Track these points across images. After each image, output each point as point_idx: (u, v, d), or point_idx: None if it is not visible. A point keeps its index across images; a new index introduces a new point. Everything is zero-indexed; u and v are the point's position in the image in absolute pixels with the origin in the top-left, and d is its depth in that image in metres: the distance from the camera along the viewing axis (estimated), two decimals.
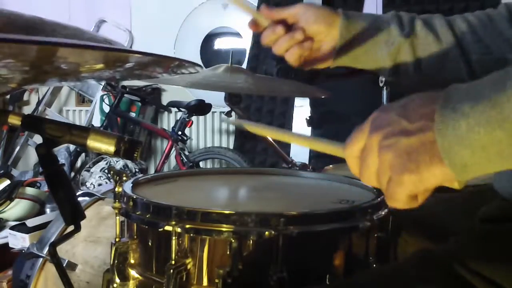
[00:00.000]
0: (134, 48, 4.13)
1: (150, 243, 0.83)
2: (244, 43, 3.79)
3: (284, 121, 3.32)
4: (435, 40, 0.90)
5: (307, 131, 2.64)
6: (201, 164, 3.61)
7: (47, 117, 3.62)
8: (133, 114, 3.98)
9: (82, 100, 4.40)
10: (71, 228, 0.81)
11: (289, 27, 0.91)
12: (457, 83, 0.54)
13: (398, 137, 0.54)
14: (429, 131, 0.52)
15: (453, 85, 0.54)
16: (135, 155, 0.76)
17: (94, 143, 0.76)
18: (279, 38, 0.90)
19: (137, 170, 3.34)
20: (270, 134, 0.73)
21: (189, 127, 3.57)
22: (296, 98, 2.97)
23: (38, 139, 0.76)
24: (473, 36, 0.89)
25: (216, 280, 0.74)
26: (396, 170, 0.54)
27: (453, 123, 0.50)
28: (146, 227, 0.83)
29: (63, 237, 0.87)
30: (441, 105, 0.52)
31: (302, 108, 2.86)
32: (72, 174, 3.62)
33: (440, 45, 0.90)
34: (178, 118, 3.62)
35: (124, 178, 0.89)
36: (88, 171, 3.41)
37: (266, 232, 0.73)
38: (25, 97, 4.52)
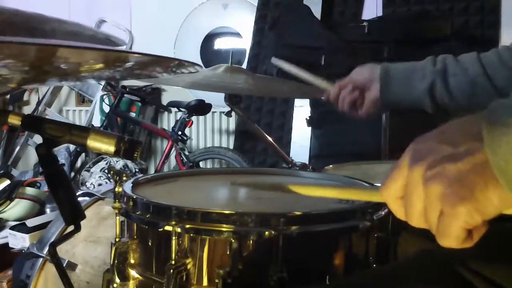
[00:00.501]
0: (134, 48, 4.14)
1: (150, 243, 0.83)
2: (244, 43, 3.78)
3: (284, 121, 3.32)
4: (462, 70, 1.04)
5: (307, 131, 2.64)
6: (201, 164, 3.61)
7: (47, 117, 3.62)
8: (133, 114, 3.98)
9: (82, 100, 4.40)
10: (71, 228, 0.81)
11: None
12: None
13: (444, 164, 0.48)
14: (479, 152, 0.47)
15: (497, 100, 0.49)
16: (135, 155, 0.76)
17: (94, 143, 0.76)
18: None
19: (137, 170, 3.34)
20: (310, 191, 0.69)
21: (189, 127, 3.57)
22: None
23: (38, 139, 0.76)
24: (500, 64, 1.01)
25: (216, 280, 0.74)
26: (448, 200, 0.48)
27: (506, 138, 0.45)
28: (146, 227, 0.83)
29: (63, 237, 0.87)
30: (487, 123, 0.47)
31: (302, 108, 2.86)
32: (72, 174, 3.62)
33: (468, 75, 1.03)
34: (178, 118, 3.62)
35: (124, 178, 0.89)
36: (88, 171, 3.41)
37: (266, 232, 0.73)
38: (25, 97, 4.52)
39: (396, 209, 0.54)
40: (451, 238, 0.50)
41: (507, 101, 0.48)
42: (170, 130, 3.54)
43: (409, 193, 0.51)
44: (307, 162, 1.42)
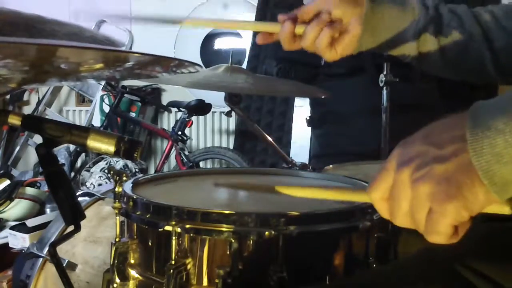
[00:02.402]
0: (134, 48, 4.14)
1: (150, 243, 0.83)
2: (244, 43, 3.79)
3: (284, 121, 3.32)
4: (459, 25, 0.88)
5: (307, 131, 2.64)
6: (201, 164, 3.61)
7: (47, 117, 3.62)
8: (133, 114, 3.98)
9: (82, 100, 4.40)
10: (71, 228, 0.81)
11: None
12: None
13: (431, 165, 0.51)
14: (463, 152, 0.49)
15: (477, 102, 0.51)
16: (135, 155, 0.76)
17: (94, 143, 0.76)
18: (306, 29, 0.88)
19: (137, 170, 3.34)
20: (297, 192, 0.70)
21: (189, 127, 3.57)
22: (296, 98, 2.96)
23: (38, 139, 0.76)
24: (496, 24, 0.88)
25: (216, 280, 0.74)
26: (436, 199, 0.50)
27: (488, 141, 0.47)
28: (146, 227, 0.83)
29: (63, 237, 0.87)
30: (471, 124, 0.49)
31: (302, 108, 2.85)
32: (72, 174, 3.62)
33: (464, 31, 0.88)
34: (178, 118, 3.62)
35: (124, 178, 0.89)
36: (88, 171, 3.41)
37: (266, 232, 0.73)
38: (25, 97, 4.52)
39: (382, 209, 0.56)
40: (440, 234, 0.52)
41: (489, 103, 0.50)
42: (170, 130, 3.54)
43: (396, 194, 0.53)
44: (307, 162, 1.42)
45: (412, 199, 0.52)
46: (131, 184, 0.91)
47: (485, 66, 0.88)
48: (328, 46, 0.88)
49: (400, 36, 0.91)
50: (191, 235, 0.76)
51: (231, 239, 0.74)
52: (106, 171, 3.35)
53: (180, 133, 3.46)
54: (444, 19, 0.90)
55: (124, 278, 0.84)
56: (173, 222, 0.75)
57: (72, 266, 1.24)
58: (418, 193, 0.51)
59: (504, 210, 0.51)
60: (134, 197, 0.84)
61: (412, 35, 0.91)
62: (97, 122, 4.03)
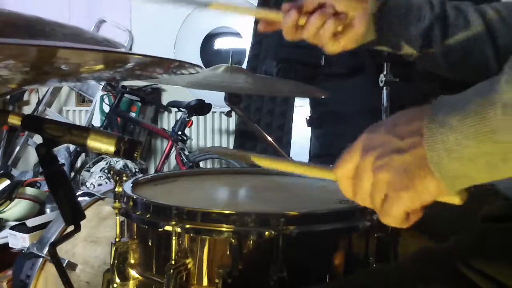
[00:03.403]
0: (134, 48, 4.14)
1: (150, 243, 0.83)
2: (244, 43, 3.78)
3: (284, 121, 3.32)
4: (464, 24, 0.89)
5: (307, 131, 2.64)
6: (201, 164, 3.61)
7: (47, 117, 3.62)
8: (133, 114, 3.98)
9: (82, 100, 4.40)
10: (71, 228, 0.81)
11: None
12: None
13: (391, 155, 0.56)
14: (420, 146, 0.53)
15: (440, 97, 0.55)
16: (135, 155, 0.76)
17: (94, 143, 0.76)
18: (308, 19, 0.87)
19: (137, 170, 3.34)
20: (268, 163, 0.73)
21: (189, 127, 3.57)
22: (296, 98, 2.96)
23: (38, 139, 0.76)
24: (501, 21, 0.88)
25: (216, 280, 0.74)
26: (393, 187, 0.55)
27: (441, 137, 0.51)
28: (146, 227, 0.83)
29: (63, 237, 0.87)
30: (429, 120, 0.53)
31: (302, 108, 2.85)
32: (72, 174, 3.62)
33: (469, 29, 0.88)
34: (178, 118, 3.61)
35: (124, 178, 0.89)
36: (88, 171, 3.41)
37: (266, 232, 0.73)
38: (25, 97, 4.51)
39: (345, 187, 0.61)
40: (392, 218, 0.57)
41: (449, 99, 0.54)
42: (170, 130, 3.54)
43: (359, 176, 0.59)
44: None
45: (372, 183, 0.58)
46: (131, 184, 0.91)
47: (488, 65, 0.88)
48: (331, 38, 0.87)
49: (404, 34, 0.91)
50: (191, 235, 0.76)
51: (231, 239, 0.74)
52: (106, 171, 3.35)
53: (180, 133, 3.46)
54: (450, 17, 0.90)
55: (124, 278, 0.84)
56: (173, 222, 0.75)
57: (72, 266, 1.24)
58: (378, 180, 0.57)
59: (455, 200, 0.56)
60: (134, 197, 0.84)
61: (416, 34, 0.90)
62: (97, 122, 4.03)
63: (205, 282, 0.77)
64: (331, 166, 0.64)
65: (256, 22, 3.45)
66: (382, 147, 0.57)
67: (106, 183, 3.28)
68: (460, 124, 0.50)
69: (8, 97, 4.29)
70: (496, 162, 0.50)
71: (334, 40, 0.88)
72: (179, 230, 0.75)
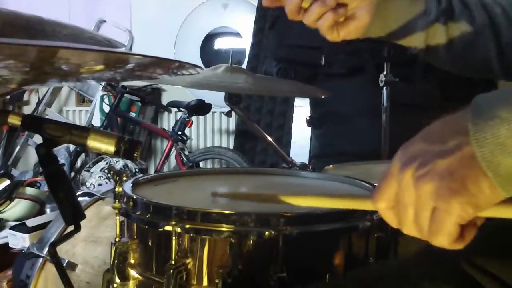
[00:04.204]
0: (134, 48, 4.14)
1: (150, 243, 0.83)
2: (244, 43, 3.79)
3: (284, 121, 3.32)
4: (469, 17, 0.86)
5: (307, 131, 2.64)
6: (201, 164, 3.61)
7: (47, 117, 3.62)
8: (133, 114, 3.98)
9: (82, 100, 4.40)
10: (71, 228, 0.81)
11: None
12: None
13: (433, 161, 0.49)
14: (466, 145, 0.47)
15: (478, 96, 0.50)
16: (135, 155, 0.76)
17: (94, 143, 0.76)
18: (310, 7, 0.84)
19: (137, 170, 3.34)
20: (302, 202, 0.70)
21: (189, 127, 3.57)
22: (296, 98, 2.97)
23: (38, 139, 0.76)
24: (506, 19, 0.85)
25: (216, 280, 0.74)
26: (440, 196, 0.48)
27: (491, 130, 0.46)
28: (146, 227, 0.83)
29: (63, 237, 0.87)
30: (473, 116, 0.47)
31: (302, 108, 2.85)
32: (72, 174, 3.62)
33: (474, 25, 0.85)
34: (178, 118, 3.61)
35: (124, 178, 0.89)
36: (88, 171, 3.41)
37: (266, 232, 0.73)
38: (25, 97, 4.51)
39: (389, 217, 0.54)
40: (445, 235, 0.49)
41: (490, 95, 0.49)
42: (170, 130, 3.54)
43: (402, 198, 0.51)
44: (307, 162, 1.42)
45: (416, 200, 0.50)
46: (131, 184, 0.91)
47: (491, 62, 0.87)
48: (330, 28, 0.85)
49: (409, 26, 0.88)
50: (191, 235, 0.76)
51: (231, 239, 0.74)
52: (106, 171, 3.35)
53: (180, 133, 3.46)
54: (456, 12, 0.87)
55: (124, 278, 0.84)
56: (173, 222, 0.75)
57: (72, 266, 1.24)
58: (422, 192, 0.49)
59: None
60: (134, 197, 0.84)
61: (421, 27, 0.88)
62: (97, 122, 4.03)
63: (205, 282, 0.77)
64: (366, 184, 0.58)
65: (256, 22, 3.46)
66: (422, 155, 0.50)
67: (106, 183, 3.28)
68: (511, 115, 0.45)
69: (8, 97, 4.29)
70: None
71: (333, 31, 0.85)
72: (179, 230, 0.75)
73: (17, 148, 4.32)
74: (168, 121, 4.08)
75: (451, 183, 0.47)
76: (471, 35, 0.86)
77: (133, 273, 0.84)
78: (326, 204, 0.64)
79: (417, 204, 0.50)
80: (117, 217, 0.88)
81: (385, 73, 1.84)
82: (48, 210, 2.54)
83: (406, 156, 0.51)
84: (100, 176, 3.34)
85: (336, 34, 0.86)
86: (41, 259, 1.28)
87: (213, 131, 4.01)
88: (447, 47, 0.89)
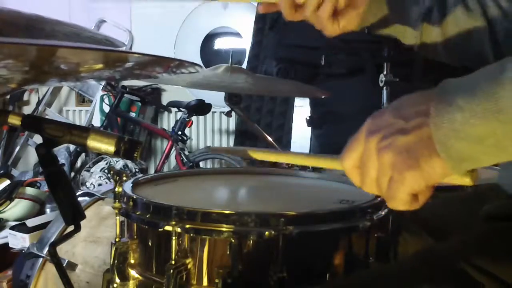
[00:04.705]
0: (134, 48, 4.14)
1: (150, 243, 0.83)
2: (244, 43, 3.79)
3: (284, 121, 3.32)
4: (465, 11, 0.86)
5: (307, 131, 2.64)
6: (201, 164, 3.61)
7: (47, 117, 3.62)
8: (133, 114, 3.98)
9: (82, 100, 4.40)
10: (71, 228, 0.81)
11: None
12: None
13: (395, 136, 0.55)
14: (425, 126, 0.52)
15: (446, 80, 0.54)
16: (135, 155, 0.76)
17: (94, 143, 0.76)
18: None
19: (137, 170, 3.33)
20: (268, 157, 0.75)
21: (189, 127, 3.57)
22: (296, 98, 2.97)
23: (38, 139, 0.76)
24: (502, 16, 0.85)
25: (216, 280, 0.74)
26: (397, 168, 0.54)
27: (448, 116, 0.50)
28: (146, 227, 0.83)
29: (63, 237, 0.87)
30: (436, 101, 0.52)
31: (302, 108, 2.86)
32: (72, 174, 3.62)
33: (469, 18, 0.86)
34: (178, 118, 3.62)
35: (124, 178, 0.89)
36: (88, 171, 3.41)
37: (266, 232, 0.73)
38: (25, 97, 4.52)
39: (353, 176, 0.61)
40: (398, 200, 0.56)
41: (456, 81, 0.53)
42: (170, 130, 3.54)
43: (365, 161, 0.58)
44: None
45: (378, 166, 0.56)
46: (131, 184, 0.91)
47: (486, 54, 0.87)
48: (330, 17, 0.84)
49: (404, 17, 0.88)
50: (191, 235, 0.76)
51: (231, 239, 0.73)
52: (106, 171, 3.35)
53: (180, 133, 3.46)
54: (449, 3, 0.87)
55: (124, 278, 0.84)
56: (173, 222, 0.75)
57: (72, 266, 1.24)
58: (382, 161, 0.56)
59: (465, 181, 0.55)
60: (134, 197, 0.84)
61: (416, 18, 0.88)
62: (97, 122, 4.03)
63: (205, 282, 0.77)
64: (338, 156, 0.63)
65: (256, 22, 3.46)
66: (387, 128, 0.56)
67: (106, 183, 3.28)
68: (468, 104, 0.49)
69: (8, 97, 4.30)
70: (505, 144, 0.49)
71: (333, 21, 0.85)
72: (179, 230, 0.75)
73: (17, 148, 4.32)
74: (168, 121, 4.08)
75: (407, 159, 0.53)
76: (466, 28, 0.87)
77: (133, 273, 0.84)
78: (296, 161, 0.69)
79: (378, 170, 0.56)
80: (117, 217, 0.88)
81: (385, 73, 1.85)
82: (48, 210, 2.54)
83: (373, 126, 0.58)
84: (100, 176, 3.34)
85: (336, 25, 0.86)
86: (41, 259, 1.28)
87: (213, 131, 4.01)
88: (442, 40, 0.89)
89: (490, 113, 0.48)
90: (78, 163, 3.82)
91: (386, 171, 0.55)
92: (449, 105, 0.51)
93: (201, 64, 3.84)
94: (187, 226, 0.75)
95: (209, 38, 4.01)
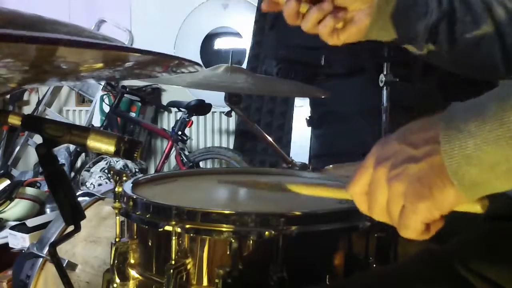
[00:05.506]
0: None
1: (150, 243, 0.83)
2: (244, 43, 3.79)
3: (284, 121, 3.32)
4: (472, 19, 0.85)
5: (307, 131, 2.64)
6: (201, 164, 3.61)
7: (47, 117, 3.62)
8: (133, 114, 3.98)
9: (82, 100, 4.40)
10: (71, 228, 0.81)
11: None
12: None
13: (405, 165, 0.53)
14: (436, 154, 0.51)
15: (454, 104, 0.53)
16: (135, 155, 0.76)
17: (94, 143, 0.76)
18: (307, 13, 0.83)
19: (137, 170, 3.33)
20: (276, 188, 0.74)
21: (189, 127, 3.57)
22: (296, 98, 2.97)
23: (38, 139, 0.76)
24: (509, 19, 0.84)
25: (216, 280, 0.74)
26: (409, 198, 0.53)
27: (459, 143, 0.49)
28: (146, 227, 0.83)
29: (63, 237, 0.87)
30: (445, 126, 0.51)
31: (302, 108, 2.86)
32: (72, 174, 3.62)
33: (477, 25, 0.85)
34: (178, 118, 3.62)
35: (124, 178, 0.89)
36: (88, 171, 3.41)
37: (266, 232, 0.73)
38: (25, 97, 4.52)
39: (360, 204, 0.60)
40: (411, 230, 0.54)
41: (464, 105, 0.52)
42: (170, 130, 3.54)
43: (373, 190, 0.56)
44: (307, 162, 1.41)
45: (388, 195, 0.55)
46: (131, 184, 0.91)
47: (496, 63, 0.87)
48: (330, 33, 0.84)
49: (411, 30, 0.87)
50: (191, 235, 0.76)
51: (231, 239, 0.73)
52: (106, 171, 3.35)
53: (180, 133, 3.46)
54: (457, 14, 0.86)
55: (124, 278, 0.84)
56: (173, 222, 0.75)
57: (72, 266, 1.24)
58: (393, 191, 0.54)
59: (476, 208, 0.53)
60: (134, 197, 0.84)
61: (423, 30, 0.87)
62: (97, 122, 4.03)
63: (205, 282, 0.77)
64: (343, 185, 0.62)
65: (256, 22, 3.46)
66: (395, 157, 0.54)
67: (106, 183, 3.28)
68: (479, 130, 0.48)
69: (8, 97, 4.30)
70: None
71: (334, 35, 0.85)
72: (179, 230, 0.75)
73: (17, 148, 4.32)
74: (168, 121, 4.08)
75: (419, 188, 0.52)
76: (474, 38, 0.86)
77: (133, 273, 0.84)
78: (302, 191, 0.68)
79: (388, 198, 0.55)
80: (117, 217, 0.88)
81: (385, 73, 1.84)
82: (48, 210, 2.54)
83: (382, 154, 0.56)
84: (100, 176, 3.34)
85: (337, 38, 0.86)
86: (41, 259, 1.28)
87: (213, 131, 4.01)
88: (449, 52, 0.88)
89: (503, 139, 0.47)
90: (78, 163, 3.82)
91: (397, 200, 0.54)
92: (459, 132, 0.50)
93: (201, 64, 3.84)
94: (187, 226, 0.75)
95: (209, 38, 4.01)
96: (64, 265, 1.08)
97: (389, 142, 0.57)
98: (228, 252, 0.74)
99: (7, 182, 2.55)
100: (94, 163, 3.42)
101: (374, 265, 0.83)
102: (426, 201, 0.52)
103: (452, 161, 0.50)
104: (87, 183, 3.32)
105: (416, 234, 0.55)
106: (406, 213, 0.54)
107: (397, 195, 0.54)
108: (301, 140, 2.83)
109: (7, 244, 1.91)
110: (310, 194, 0.68)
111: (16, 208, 2.46)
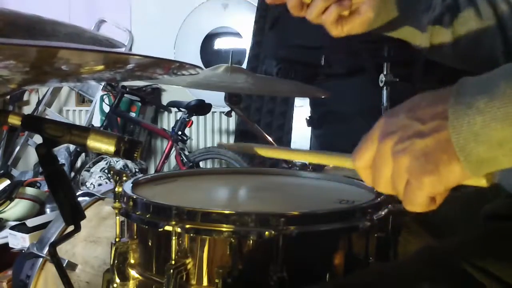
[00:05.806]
0: (134, 48, 4.14)
1: (150, 243, 0.83)
2: (244, 43, 3.79)
3: (284, 121, 3.32)
4: (475, 14, 0.86)
5: (307, 131, 2.64)
6: (201, 164, 3.61)
7: (47, 117, 3.62)
8: (133, 114, 3.98)
9: (82, 100, 4.40)
10: (71, 228, 0.81)
11: None
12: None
13: (412, 139, 0.53)
14: (444, 129, 0.51)
15: (463, 79, 0.53)
16: (135, 155, 0.76)
17: (94, 143, 0.76)
18: (312, 1, 0.82)
19: (137, 170, 3.33)
20: (278, 154, 0.73)
21: (189, 127, 3.57)
22: (296, 98, 2.97)
23: (38, 139, 0.76)
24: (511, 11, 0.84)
25: (216, 280, 0.74)
26: (414, 173, 0.53)
27: (468, 119, 0.49)
28: (146, 227, 0.83)
29: (63, 237, 0.87)
30: (453, 102, 0.51)
31: (302, 108, 2.86)
32: (72, 174, 3.62)
33: (480, 20, 0.86)
34: (178, 118, 3.62)
35: (124, 178, 0.89)
36: (88, 171, 3.41)
37: (266, 232, 0.73)
38: (25, 97, 4.52)
39: (365, 176, 0.60)
40: (416, 204, 0.55)
41: (473, 80, 0.52)
42: (170, 130, 3.54)
43: (378, 163, 0.56)
44: (307, 162, 1.42)
45: (392, 169, 0.55)
46: (131, 184, 0.91)
47: (497, 58, 0.87)
48: (334, 23, 0.84)
49: (413, 23, 0.88)
50: (191, 235, 0.76)
51: (231, 239, 0.74)
52: (106, 171, 3.35)
53: (180, 133, 3.46)
54: (461, 8, 0.87)
55: (124, 278, 0.84)
56: (173, 222, 0.75)
57: (72, 266, 1.24)
58: (398, 165, 0.54)
59: (481, 182, 0.53)
60: (134, 197, 0.84)
61: (426, 24, 0.87)
62: (97, 122, 4.03)
63: (205, 282, 0.77)
64: (349, 154, 0.62)
65: (256, 22, 3.46)
66: (402, 131, 0.54)
67: (106, 183, 3.28)
68: (488, 107, 0.48)
69: (8, 97, 4.30)
70: None
71: (338, 26, 0.85)
72: (179, 230, 0.75)
73: (17, 148, 4.32)
74: (168, 121, 4.08)
75: (425, 164, 0.52)
76: (477, 32, 0.86)
77: (133, 273, 0.84)
78: (306, 159, 0.68)
79: (393, 172, 0.55)
80: (117, 217, 0.88)
81: (385, 73, 1.85)
82: (48, 210, 2.54)
83: (388, 127, 0.56)
84: (100, 176, 3.34)
85: (340, 29, 0.85)
86: (41, 259, 1.28)
87: (213, 131, 4.01)
88: (452, 45, 0.88)
89: (511, 117, 0.47)
90: (78, 163, 3.82)
91: (402, 174, 0.54)
92: (468, 108, 0.49)
93: (201, 64, 3.85)
94: (187, 226, 0.75)
95: (209, 38, 4.01)
96: (64, 265, 1.08)
97: (396, 114, 0.56)
98: (228, 252, 0.74)
99: (7, 182, 2.55)
100: (94, 163, 3.42)
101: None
102: (432, 176, 0.52)
103: (459, 137, 0.50)
104: (87, 183, 3.32)
105: (421, 207, 0.55)
106: (412, 188, 0.54)
107: (402, 170, 0.54)
108: (301, 140, 2.83)
109: (7, 244, 1.91)
110: (314, 162, 0.68)
111: (16, 208, 2.46)
